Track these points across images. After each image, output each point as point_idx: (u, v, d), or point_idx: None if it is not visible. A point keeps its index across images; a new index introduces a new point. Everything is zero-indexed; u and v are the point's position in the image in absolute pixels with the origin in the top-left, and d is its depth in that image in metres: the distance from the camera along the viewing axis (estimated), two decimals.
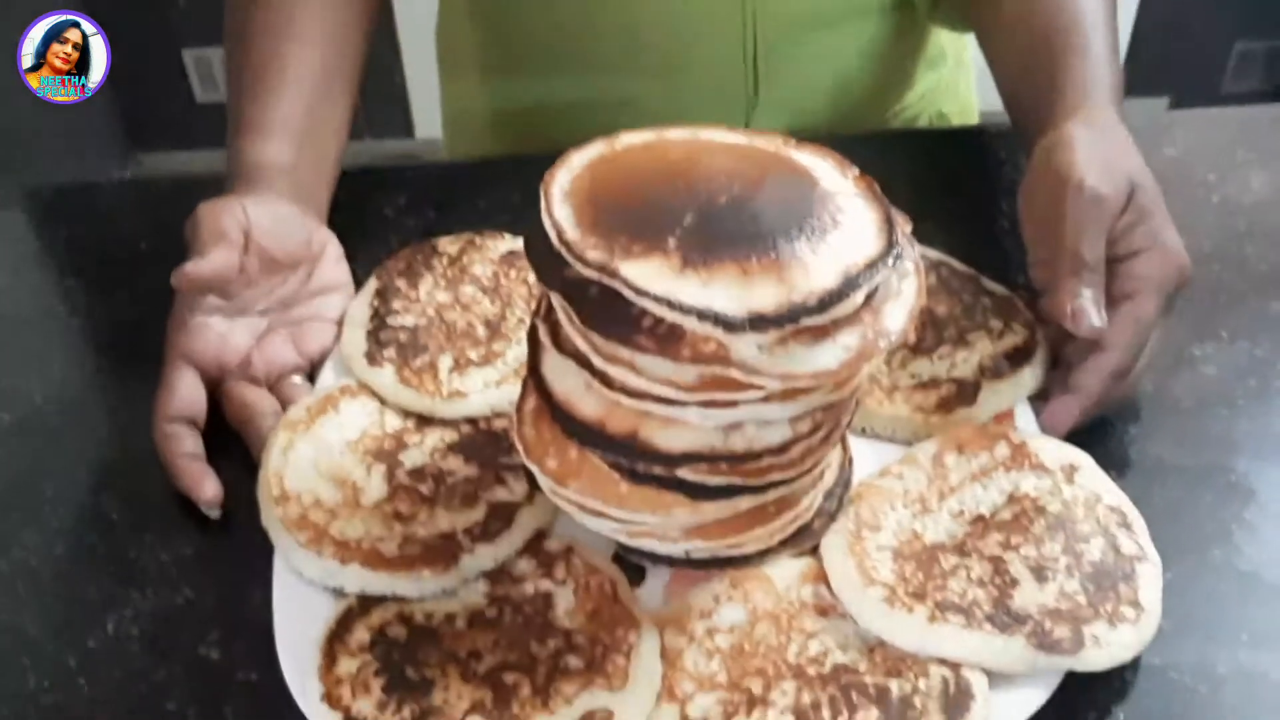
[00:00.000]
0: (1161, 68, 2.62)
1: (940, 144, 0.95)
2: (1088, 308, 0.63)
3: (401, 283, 0.73)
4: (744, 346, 0.49)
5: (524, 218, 0.76)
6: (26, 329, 0.79)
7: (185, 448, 0.66)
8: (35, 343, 0.78)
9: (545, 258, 0.53)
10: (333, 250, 0.75)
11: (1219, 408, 0.68)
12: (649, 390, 0.51)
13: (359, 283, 0.74)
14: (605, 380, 0.52)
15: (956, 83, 1.05)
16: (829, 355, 0.50)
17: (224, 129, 0.78)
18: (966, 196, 0.85)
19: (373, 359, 0.68)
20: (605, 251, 0.51)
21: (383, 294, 0.72)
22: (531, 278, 0.73)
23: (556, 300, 0.53)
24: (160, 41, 2.49)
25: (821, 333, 0.50)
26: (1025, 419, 0.65)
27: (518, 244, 0.76)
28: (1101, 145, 0.68)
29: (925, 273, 0.55)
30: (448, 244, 0.76)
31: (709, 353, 0.49)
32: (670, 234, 0.51)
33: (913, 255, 0.54)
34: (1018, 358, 0.66)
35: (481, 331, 0.71)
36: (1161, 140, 0.89)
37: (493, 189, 0.86)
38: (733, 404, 0.51)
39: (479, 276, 0.74)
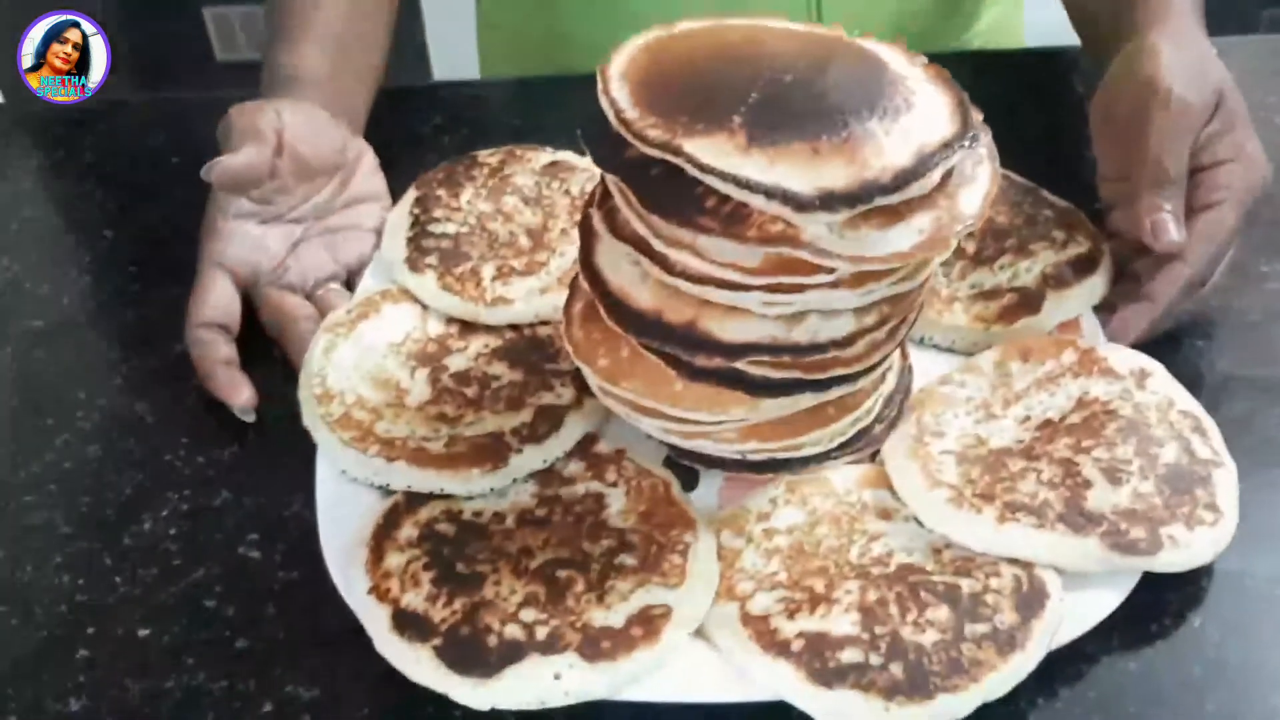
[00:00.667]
0: None
1: (996, 66, 0.93)
2: (1168, 222, 0.61)
3: (442, 192, 0.71)
4: (813, 227, 0.47)
5: (560, 138, 0.75)
6: (56, 238, 0.78)
7: (219, 353, 0.64)
8: (66, 251, 0.76)
9: (602, 140, 0.51)
10: (369, 160, 0.73)
11: None
12: (711, 274, 0.49)
13: (396, 197, 0.72)
14: (665, 265, 0.50)
15: (1014, 23, 1.03)
16: (902, 238, 0.48)
17: (244, 87, 0.76)
18: (1024, 118, 0.82)
19: (414, 265, 0.66)
20: (666, 130, 0.49)
21: (423, 202, 0.70)
22: (575, 189, 0.72)
23: (614, 183, 0.51)
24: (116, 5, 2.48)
25: (894, 214, 0.48)
26: (1091, 329, 0.62)
27: (559, 156, 0.74)
28: (1187, 54, 0.66)
29: None
30: (487, 156, 0.74)
31: (776, 233, 0.47)
32: (734, 112, 0.49)
33: (987, 140, 0.52)
34: (1082, 267, 0.64)
35: (524, 241, 0.69)
36: (1224, 64, 0.86)
37: (528, 109, 0.84)
38: (799, 289, 0.49)
39: (521, 187, 0.72)
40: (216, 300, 0.65)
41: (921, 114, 0.50)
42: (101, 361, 0.68)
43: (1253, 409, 0.61)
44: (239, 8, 2.45)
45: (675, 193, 0.48)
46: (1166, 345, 0.63)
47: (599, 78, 0.51)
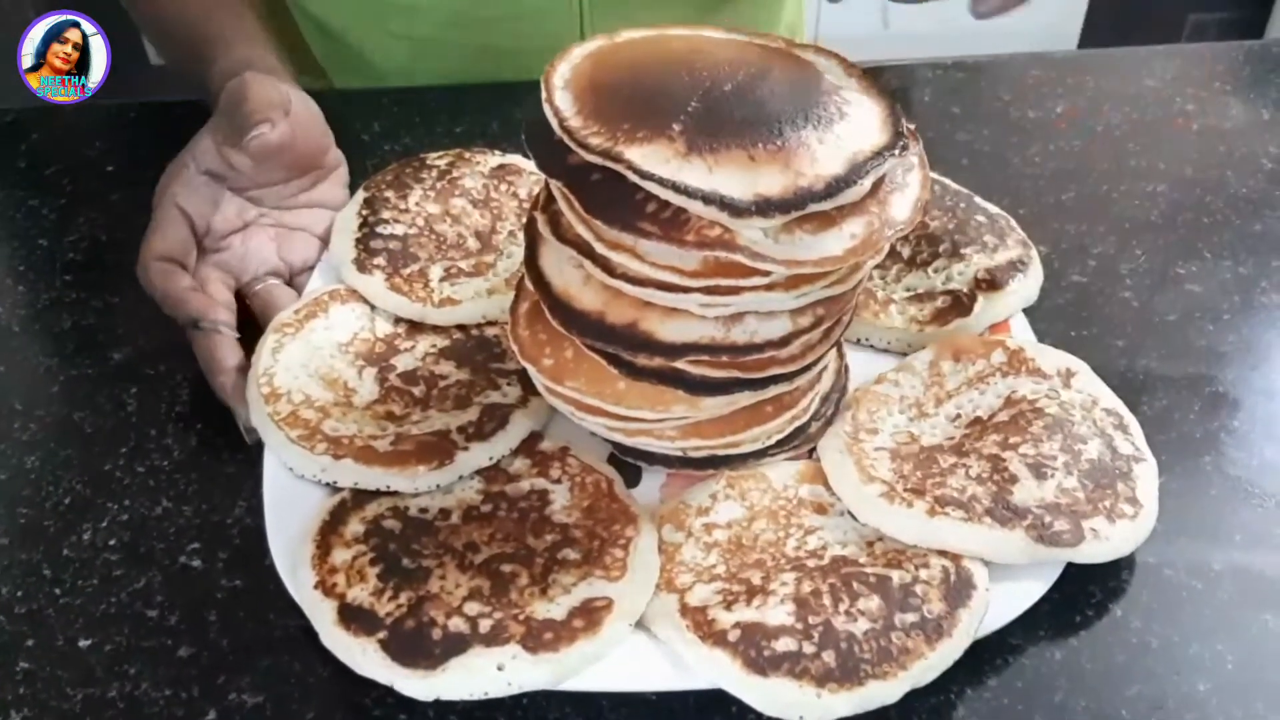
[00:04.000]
0: (1120, 29, 2.64)
1: (927, 78, 0.95)
2: None
3: (390, 193, 0.72)
4: (750, 232, 0.49)
5: (503, 143, 0.76)
6: None
7: (183, 280, 0.63)
8: (0, 260, 0.75)
9: (546, 146, 0.52)
10: (342, 171, 0.74)
11: (1204, 322, 0.69)
12: (651, 277, 0.51)
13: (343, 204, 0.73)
14: (607, 268, 0.52)
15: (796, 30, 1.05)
16: (835, 242, 0.50)
17: (179, 91, 0.76)
18: (955, 127, 0.85)
19: (362, 266, 0.67)
20: (608, 138, 0.50)
21: (371, 203, 0.71)
22: (523, 191, 0.73)
23: (558, 188, 0.53)
24: (115, 4, 2.45)
25: (828, 220, 0.50)
26: (1020, 330, 0.65)
27: (507, 159, 0.75)
28: None
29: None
30: (436, 158, 0.75)
31: (714, 238, 0.49)
32: (674, 120, 0.50)
33: (918, 149, 0.54)
34: (1012, 271, 0.67)
35: (472, 243, 0.70)
36: (1141, 72, 0.89)
37: (470, 115, 0.85)
38: (736, 291, 0.51)
39: (469, 189, 0.73)
40: (176, 237, 0.65)
41: (855, 123, 0.52)
42: (38, 370, 0.68)
43: (1171, 406, 0.64)
44: None
45: (616, 198, 0.50)
46: (1090, 344, 0.66)
47: (543, 85, 0.53)
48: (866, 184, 0.50)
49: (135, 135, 0.83)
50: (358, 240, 0.69)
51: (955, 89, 0.88)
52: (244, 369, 0.62)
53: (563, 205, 0.53)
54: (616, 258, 0.51)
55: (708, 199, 0.48)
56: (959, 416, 0.59)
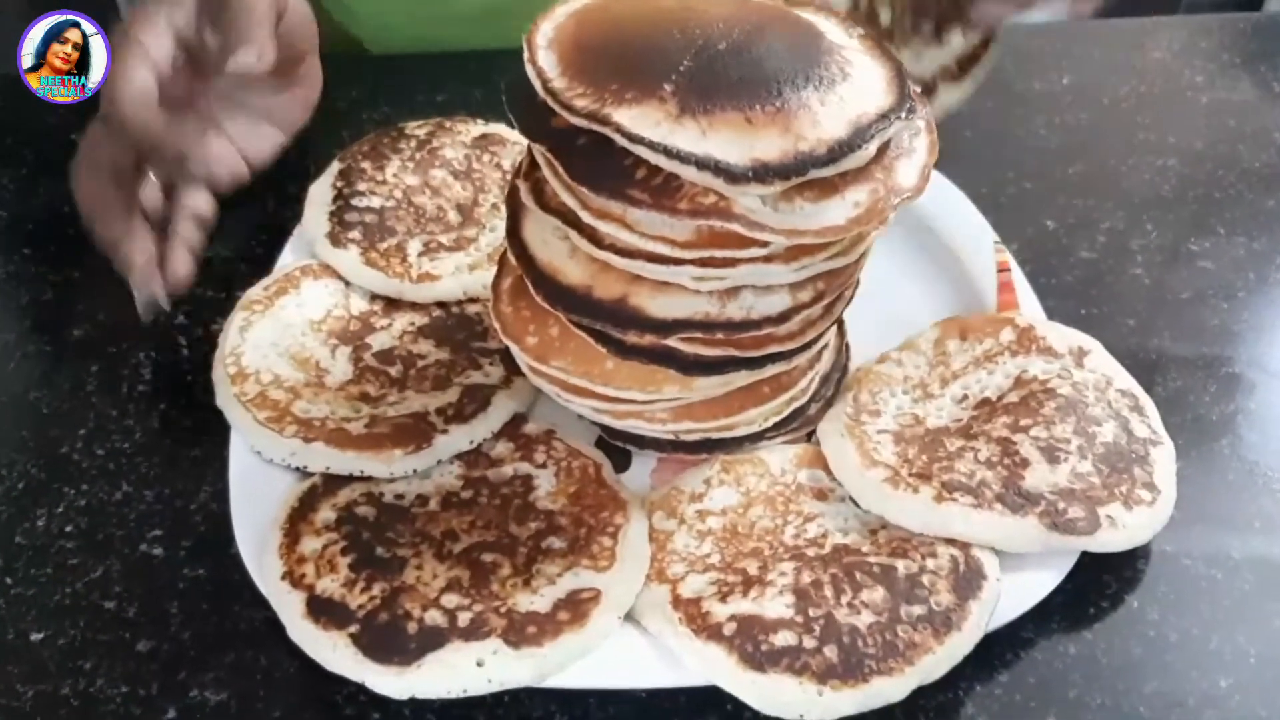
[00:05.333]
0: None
1: None
2: None
3: (366, 164, 0.68)
4: (746, 199, 0.46)
5: (486, 113, 0.73)
6: None
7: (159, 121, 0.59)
8: None
9: (528, 109, 0.49)
10: (312, 94, 0.71)
11: (1218, 300, 0.66)
12: (641, 248, 0.48)
13: (316, 175, 0.69)
14: (594, 238, 0.49)
15: None
16: (837, 211, 0.46)
17: None
18: None
19: (336, 240, 0.64)
20: (595, 99, 0.47)
21: (346, 175, 0.67)
22: (506, 163, 0.70)
23: (541, 154, 0.49)
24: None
25: (830, 187, 0.46)
26: (1030, 306, 0.62)
27: (490, 128, 0.72)
28: None
29: None
30: (415, 128, 0.72)
31: (708, 206, 0.46)
32: (666, 80, 0.47)
33: (925, 111, 0.51)
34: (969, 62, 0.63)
35: (453, 216, 0.66)
36: (1148, 44, 0.86)
37: (452, 82, 0.81)
38: (732, 263, 0.48)
39: (449, 160, 0.69)
40: (145, 78, 0.60)
41: (858, 84, 0.49)
42: None
43: (1185, 387, 0.61)
44: None
45: (604, 164, 0.47)
46: (1101, 323, 0.63)
47: (525, 45, 0.50)
48: (871, 148, 0.47)
49: (98, 103, 0.79)
50: (332, 213, 0.65)
51: None
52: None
53: (547, 172, 0.50)
54: (604, 227, 0.48)
55: (701, 164, 0.45)
56: (966, 397, 0.56)
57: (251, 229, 0.69)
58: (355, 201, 0.66)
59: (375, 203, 0.66)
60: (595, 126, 0.46)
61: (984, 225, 0.66)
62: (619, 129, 0.45)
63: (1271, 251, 0.69)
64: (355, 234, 0.64)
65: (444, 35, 0.86)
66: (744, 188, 0.45)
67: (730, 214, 0.46)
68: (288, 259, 0.64)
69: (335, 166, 0.68)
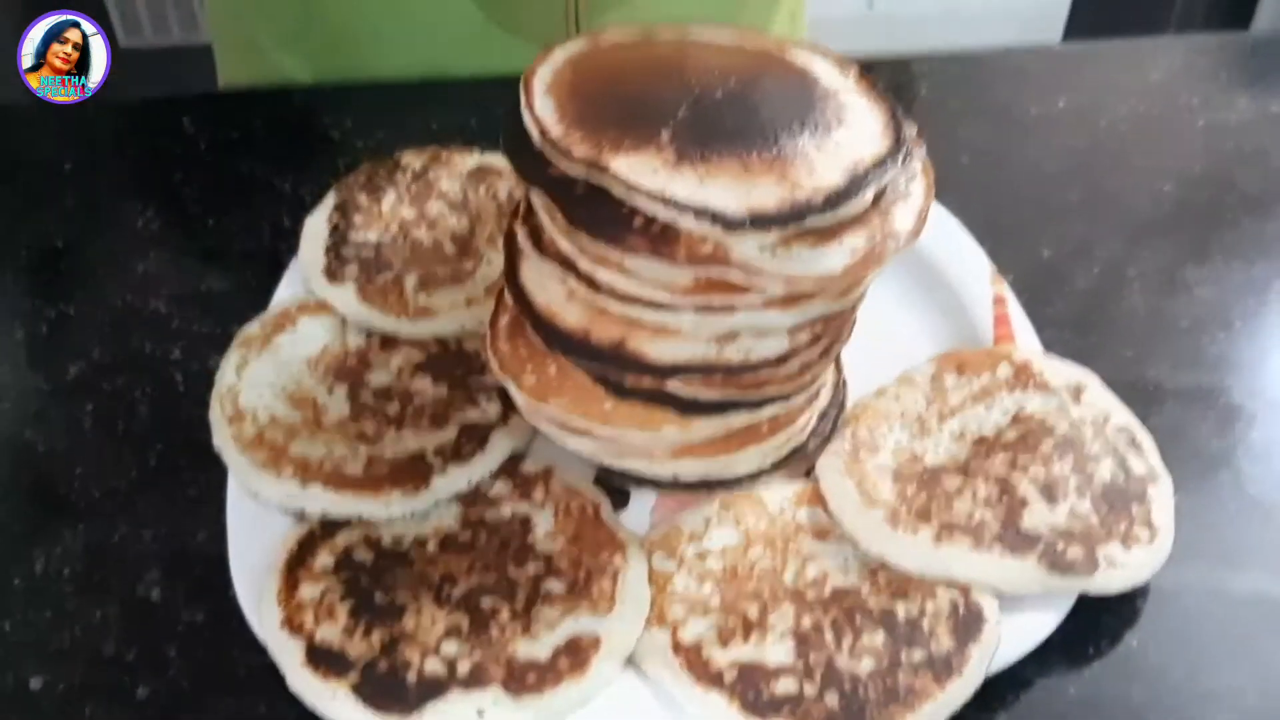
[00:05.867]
0: (1108, 8, 2.61)
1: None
2: None
3: (363, 197, 0.68)
4: (744, 247, 0.46)
5: (482, 141, 0.73)
6: None
7: None
8: None
9: (526, 154, 0.49)
10: None
11: (1216, 329, 0.66)
12: (640, 294, 0.48)
13: (310, 205, 0.69)
14: (592, 284, 0.49)
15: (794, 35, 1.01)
16: (834, 258, 0.46)
17: (148, 74, 0.72)
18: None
19: (333, 275, 0.63)
20: (592, 146, 0.47)
21: (343, 209, 0.67)
22: (503, 193, 0.70)
23: (539, 200, 0.49)
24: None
25: (827, 234, 0.46)
26: (1026, 338, 0.62)
27: (486, 159, 0.72)
28: None
29: None
30: (411, 158, 0.71)
31: (706, 253, 0.46)
32: (663, 127, 0.47)
33: (921, 155, 0.51)
34: None
35: (450, 249, 0.66)
36: (1145, 66, 0.86)
37: (446, 110, 0.81)
38: (730, 309, 0.48)
39: (446, 192, 0.69)
40: None
41: (854, 129, 0.49)
42: None
43: (1184, 418, 0.61)
44: None
45: (602, 210, 0.47)
46: (1098, 353, 0.63)
47: (522, 90, 0.49)
48: (868, 196, 0.47)
49: (93, 135, 0.79)
50: (328, 247, 0.65)
51: (953, 83, 0.84)
52: None
53: (544, 217, 0.50)
54: (602, 273, 0.48)
55: (699, 212, 0.45)
56: (964, 434, 0.56)
57: (247, 261, 0.69)
58: (352, 236, 0.66)
59: (372, 237, 0.66)
60: (593, 175, 0.46)
61: (981, 256, 0.66)
62: (617, 177, 0.45)
63: (1270, 277, 0.69)
64: (352, 269, 0.64)
65: (436, 60, 0.85)
66: (741, 235, 0.45)
67: (728, 261, 0.46)
68: (284, 293, 0.64)
69: (331, 199, 0.68)
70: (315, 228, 0.67)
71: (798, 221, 0.45)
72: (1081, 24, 2.63)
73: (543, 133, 0.48)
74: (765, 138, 0.47)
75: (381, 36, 0.85)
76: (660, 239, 0.46)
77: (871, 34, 2.61)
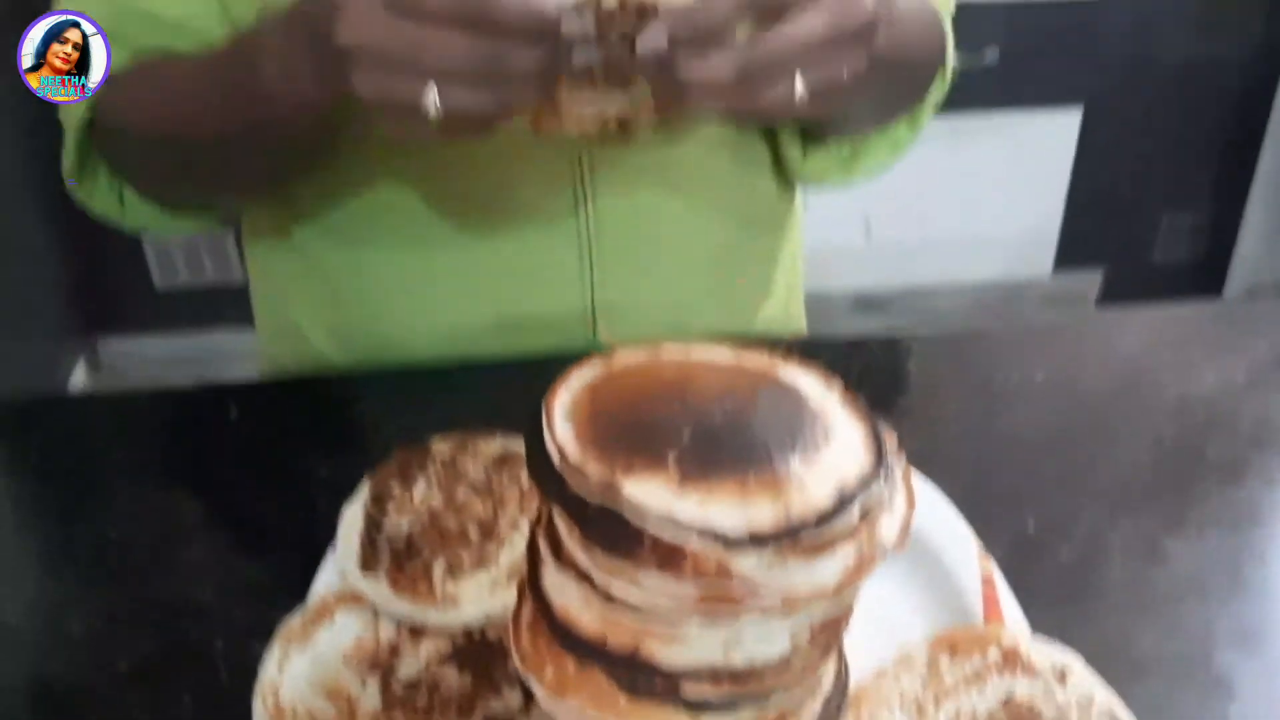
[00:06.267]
0: (1095, 241, 2.74)
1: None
2: None
3: (396, 486, 0.74)
4: (745, 563, 0.51)
5: (505, 420, 0.79)
6: (3, 542, 0.78)
7: None
8: (7, 556, 0.76)
9: (547, 474, 0.54)
10: None
11: (1194, 600, 0.70)
12: (651, 605, 0.52)
13: (348, 488, 0.75)
14: (607, 594, 0.53)
15: (794, 313, 1.08)
16: (827, 570, 0.51)
17: (183, 316, 0.78)
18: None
19: (367, 565, 0.68)
20: (606, 469, 0.52)
21: (378, 498, 0.73)
22: (525, 480, 0.75)
23: (558, 515, 0.55)
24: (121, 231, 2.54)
25: (819, 548, 0.51)
26: (1014, 619, 0.66)
27: (510, 445, 0.78)
28: None
29: None
30: (440, 445, 0.77)
31: (710, 569, 0.51)
32: (669, 451, 0.53)
33: (902, 468, 0.56)
34: None
35: (474, 534, 0.71)
36: (1116, 337, 0.93)
37: (472, 394, 0.88)
38: (734, 617, 0.52)
39: (472, 479, 0.75)
40: None
41: (839, 446, 0.54)
42: (43, 678, 0.68)
43: (1168, 690, 0.64)
44: (179, 238, 2.51)
45: (615, 529, 0.52)
46: (1083, 624, 0.67)
47: (544, 414, 0.55)
48: (855, 513, 0.52)
49: (143, 424, 0.85)
50: (363, 537, 0.70)
51: (939, 359, 0.91)
52: None
53: (563, 532, 0.55)
54: (616, 585, 0.53)
55: (702, 532, 0.50)
56: (958, 716, 0.60)
57: (287, 549, 0.74)
58: (385, 524, 0.71)
59: (404, 525, 0.71)
60: (607, 498, 0.52)
61: (969, 536, 0.70)
62: (628, 503, 0.51)
63: (1244, 546, 0.73)
64: (384, 559, 0.69)
65: (459, 347, 0.93)
66: (741, 553, 0.50)
67: (730, 574, 0.50)
68: (323, 582, 0.69)
69: (366, 489, 0.74)
70: (352, 517, 0.72)
71: (792, 538, 0.50)
72: (1069, 254, 2.76)
73: (562, 456, 0.53)
74: (760, 460, 0.52)
75: (411, 328, 0.93)
76: (668, 556, 0.51)
77: (869, 264, 2.74)
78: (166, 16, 0.83)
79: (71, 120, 0.86)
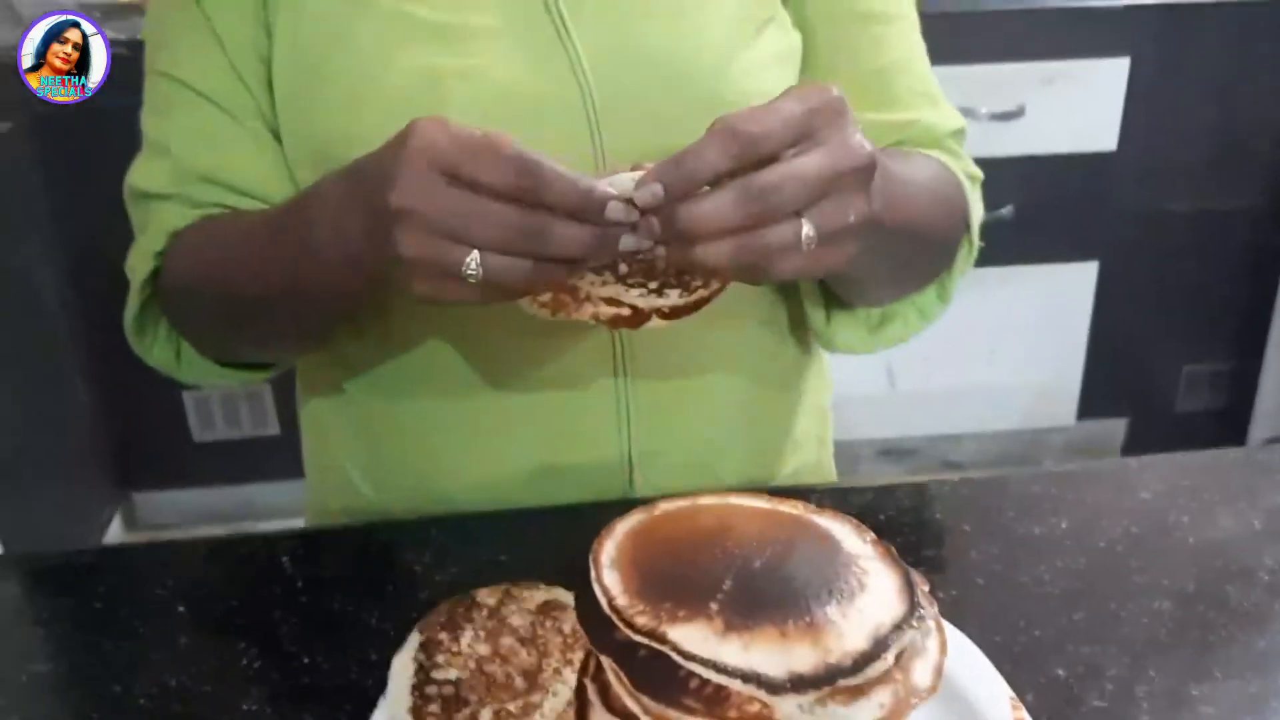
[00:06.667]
0: (1118, 392, 2.78)
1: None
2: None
3: (444, 636, 0.77)
4: (786, 706, 0.53)
5: (545, 568, 0.82)
6: (64, 692, 0.80)
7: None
8: (71, 707, 0.79)
9: (596, 622, 0.58)
10: None
11: None
12: None
13: (394, 638, 0.78)
14: None
15: (824, 465, 1.12)
16: (865, 712, 0.54)
17: (221, 468, 0.82)
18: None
19: (418, 714, 0.71)
20: (652, 617, 0.56)
21: (426, 648, 0.76)
22: (567, 627, 0.78)
23: (607, 662, 0.58)
24: (161, 382, 2.61)
25: (857, 691, 0.54)
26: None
27: (553, 594, 0.81)
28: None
29: None
30: (486, 595, 0.80)
31: (753, 713, 0.53)
32: (712, 599, 0.56)
33: (933, 613, 0.59)
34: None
35: (520, 683, 0.74)
36: (1135, 485, 0.96)
37: (512, 542, 0.91)
38: None
39: (517, 628, 0.78)
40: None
41: (874, 594, 0.58)
42: None
43: None
44: (217, 391, 2.58)
45: (661, 674, 0.55)
46: None
47: (591, 564, 0.59)
48: (890, 657, 0.55)
49: (203, 574, 0.89)
50: (414, 686, 0.73)
51: (964, 505, 0.94)
52: None
53: (611, 678, 0.58)
54: None
55: (746, 677, 0.53)
56: None
57: (339, 697, 0.77)
58: (434, 674, 0.74)
59: (452, 674, 0.74)
60: (654, 644, 0.55)
61: (1000, 682, 0.73)
62: (675, 647, 0.54)
63: (1266, 694, 0.75)
64: (434, 707, 0.71)
65: (498, 495, 0.96)
66: (783, 697, 0.53)
67: (773, 718, 0.53)
68: None
69: (415, 639, 0.77)
70: (402, 666, 0.75)
71: (830, 683, 0.53)
72: (1092, 404, 2.79)
73: (610, 604, 0.57)
74: (799, 607, 0.56)
75: (452, 476, 0.97)
76: (713, 700, 0.54)
77: (893, 412, 2.78)
78: (227, 178, 0.90)
79: (137, 274, 0.92)
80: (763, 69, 0.90)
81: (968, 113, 2.41)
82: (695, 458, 0.98)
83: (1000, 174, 2.48)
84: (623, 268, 0.74)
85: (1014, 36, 2.43)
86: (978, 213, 0.96)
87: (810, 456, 1.08)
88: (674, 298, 0.73)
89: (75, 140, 2.23)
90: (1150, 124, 2.50)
